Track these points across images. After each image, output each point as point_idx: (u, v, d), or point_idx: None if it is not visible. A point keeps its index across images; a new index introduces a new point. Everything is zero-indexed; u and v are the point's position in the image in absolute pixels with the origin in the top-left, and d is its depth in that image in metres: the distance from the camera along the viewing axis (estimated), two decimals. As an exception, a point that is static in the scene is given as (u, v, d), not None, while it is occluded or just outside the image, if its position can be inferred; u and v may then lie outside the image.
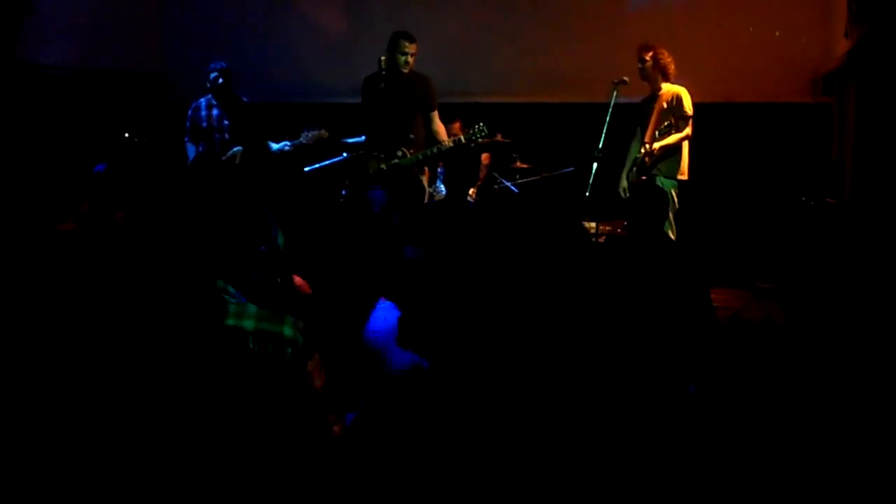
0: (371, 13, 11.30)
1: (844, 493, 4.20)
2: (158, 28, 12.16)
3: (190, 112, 9.50)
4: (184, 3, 12.13)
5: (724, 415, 4.62)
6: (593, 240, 8.53)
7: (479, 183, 10.21)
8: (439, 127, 8.58)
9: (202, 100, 9.49)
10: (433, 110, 8.59)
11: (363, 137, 8.87)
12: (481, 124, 8.48)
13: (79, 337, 2.82)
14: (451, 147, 8.42)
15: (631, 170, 8.91)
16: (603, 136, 8.57)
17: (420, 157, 8.44)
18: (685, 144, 8.67)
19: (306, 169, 10.12)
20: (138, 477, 2.58)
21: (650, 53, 8.80)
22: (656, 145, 8.56)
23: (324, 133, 9.05)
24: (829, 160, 10.04)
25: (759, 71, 10.36)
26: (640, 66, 8.85)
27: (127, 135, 9.57)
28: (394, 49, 8.52)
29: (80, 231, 4.21)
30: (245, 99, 9.37)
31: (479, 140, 8.63)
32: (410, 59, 8.52)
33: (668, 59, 8.76)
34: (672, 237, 8.31)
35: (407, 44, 8.54)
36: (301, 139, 9.08)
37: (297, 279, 4.66)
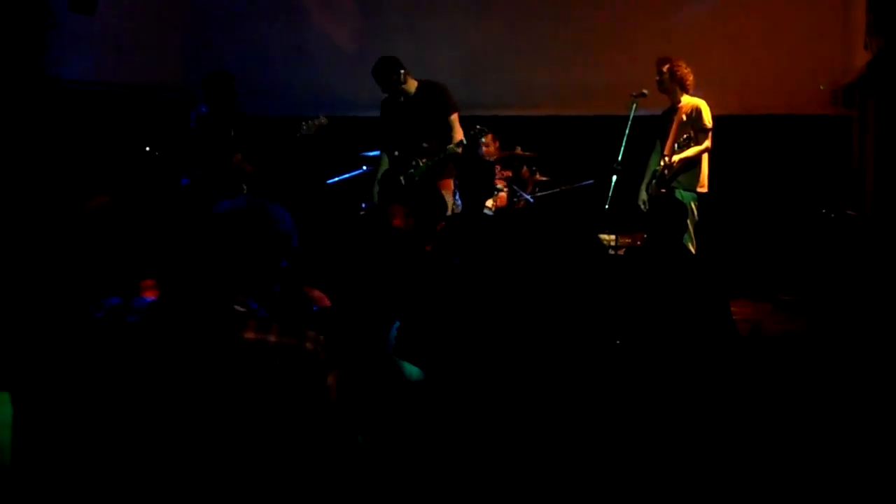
0: (391, 27, 11.34)
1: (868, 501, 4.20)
2: (180, 43, 12.23)
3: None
4: (206, 18, 12.20)
5: (745, 427, 4.62)
6: (612, 252, 8.53)
7: (502, 197, 10.24)
8: (457, 132, 8.57)
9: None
10: (451, 114, 8.57)
11: (377, 152, 8.93)
12: (479, 126, 8.54)
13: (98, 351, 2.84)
14: (457, 150, 8.43)
15: (650, 182, 8.89)
16: (622, 148, 8.58)
17: (431, 164, 8.46)
18: (705, 157, 8.66)
19: (329, 182, 10.17)
20: (154, 489, 2.60)
21: (667, 66, 8.79)
22: (675, 158, 8.56)
23: (323, 120, 9.00)
24: (850, 171, 10.03)
25: (779, 83, 10.36)
26: (657, 78, 8.85)
27: (148, 149, 9.60)
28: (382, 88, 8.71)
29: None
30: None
31: (483, 139, 8.65)
32: (390, 84, 8.63)
33: (685, 71, 8.75)
34: (692, 250, 8.30)
35: (376, 80, 8.79)
36: (301, 131, 8.99)
37: (316, 292, 4.67)
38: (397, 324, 4.13)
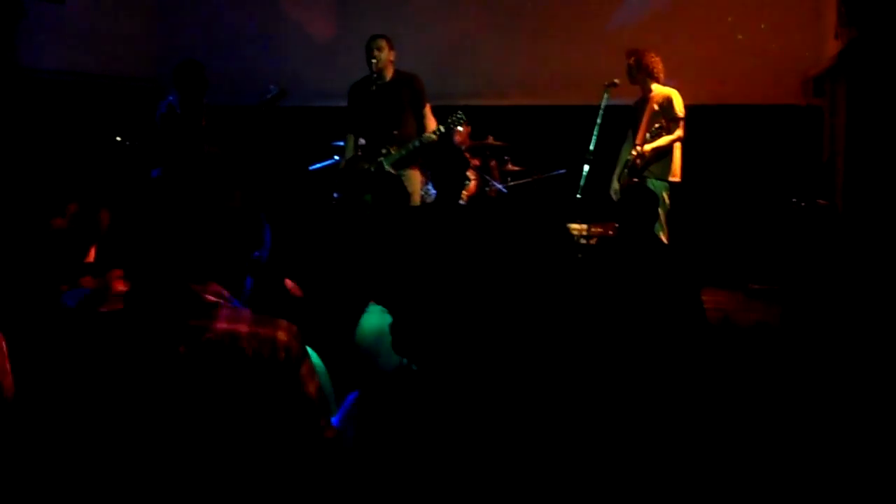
0: (360, 16, 11.32)
1: (840, 496, 4.22)
2: (151, 32, 12.18)
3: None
4: (176, 7, 12.16)
5: (715, 417, 4.63)
6: (582, 242, 8.54)
7: (472, 187, 10.21)
8: (430, 122, 8.61)
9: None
10: (424, 106, 8.62)
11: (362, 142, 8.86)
12: (459, 112, 8.54)
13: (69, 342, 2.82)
14: (432, 138, 8.44)
15: (622, 172, 8.91)
16: (594, 138, 8.61)
17: (403, 152, 8.48)
18: (677, 146, 8.69)
19: (311, 168, 10.15)
20: (131, 480, 2.59)
21: (633, 57, 8.83)
22: (647, 147, 8.58)
23: (284, 92, 9.05)
24: (820, 161, 10.06)
25: (749, 73, 10.38)
26: (627, 70, 8.89)
27: (119, 138, 9.55)
28: (367, 53, 8.60)
29: (70, 230, 4.23)
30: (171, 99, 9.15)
31: (459, 127, 8.68)
32: (378, 55, 8.55)
33: (652, 60, 8.77)
34: (664, 239, 8.32)
35: (370, 42, 8.66)
36: (260, 98, 9.04)
37: (288, 282, 4.67)
38: (366, 314, 4.13)
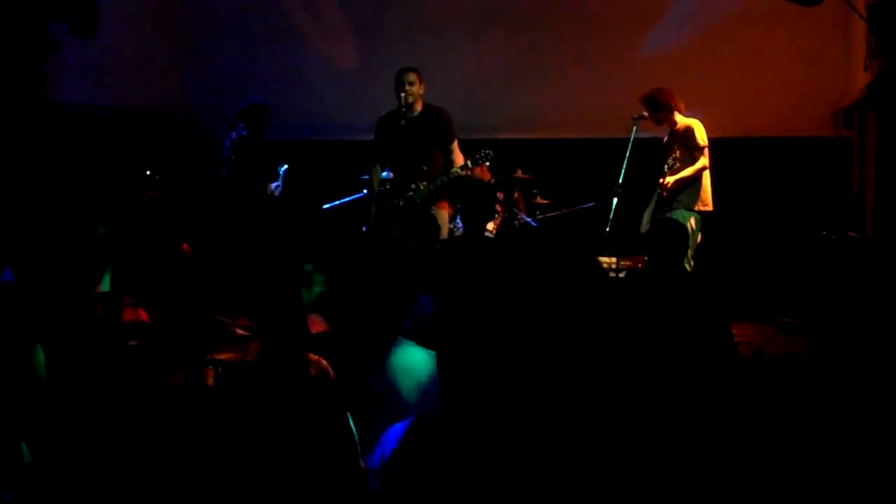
0: (390, 51, 11.33)
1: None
2: (180, 66, 12.25)
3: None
4: (205, 42, 12.22)
5: (747, 449, 4.60)
6: (612, 275, 8.51)
7: (499, 219, 10.18)
8: (458, 158, 8.57)
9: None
10: (452, 142, 8.58)
11: (386, 173, 8.84)
12: (487, 149, 8.51)
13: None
14: (460, 174, 8.42)
15: (654, 207, 8.90)
16: (623, 171, 8.59)
17: (432, 187, 8.46)
18: (705, 175, 8.66)
19: (325, 206, 10.17)
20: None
21: (649, 101, 8.83)
22: (670, 179, 8.58)
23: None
24: (850, 194, 10.02)
25: (779, 105, 10.37)
26: (649, 115, 8.89)
27: (149, 172, 9.61)
28: (397, 86, 8.56)
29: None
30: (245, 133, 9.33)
31: (487, 163, 8.66)
32: (409, 88, 8.49)
33: (666, 94, 8.78)
34: (688, 269, 8.27)
35: (402, 75, 8.60)
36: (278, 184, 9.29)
37: (313, 317, 4.65)
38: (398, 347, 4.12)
